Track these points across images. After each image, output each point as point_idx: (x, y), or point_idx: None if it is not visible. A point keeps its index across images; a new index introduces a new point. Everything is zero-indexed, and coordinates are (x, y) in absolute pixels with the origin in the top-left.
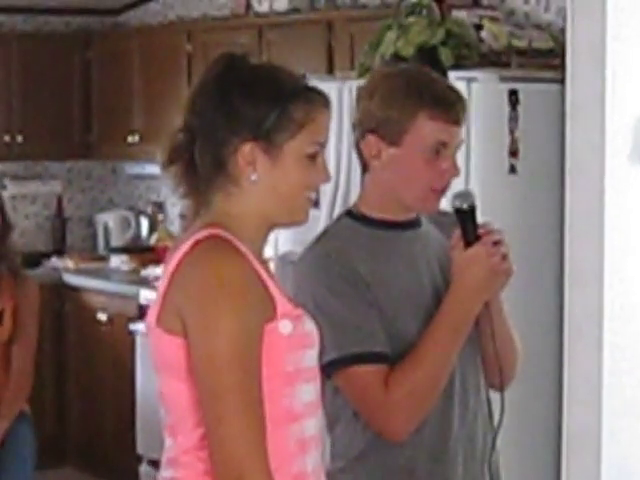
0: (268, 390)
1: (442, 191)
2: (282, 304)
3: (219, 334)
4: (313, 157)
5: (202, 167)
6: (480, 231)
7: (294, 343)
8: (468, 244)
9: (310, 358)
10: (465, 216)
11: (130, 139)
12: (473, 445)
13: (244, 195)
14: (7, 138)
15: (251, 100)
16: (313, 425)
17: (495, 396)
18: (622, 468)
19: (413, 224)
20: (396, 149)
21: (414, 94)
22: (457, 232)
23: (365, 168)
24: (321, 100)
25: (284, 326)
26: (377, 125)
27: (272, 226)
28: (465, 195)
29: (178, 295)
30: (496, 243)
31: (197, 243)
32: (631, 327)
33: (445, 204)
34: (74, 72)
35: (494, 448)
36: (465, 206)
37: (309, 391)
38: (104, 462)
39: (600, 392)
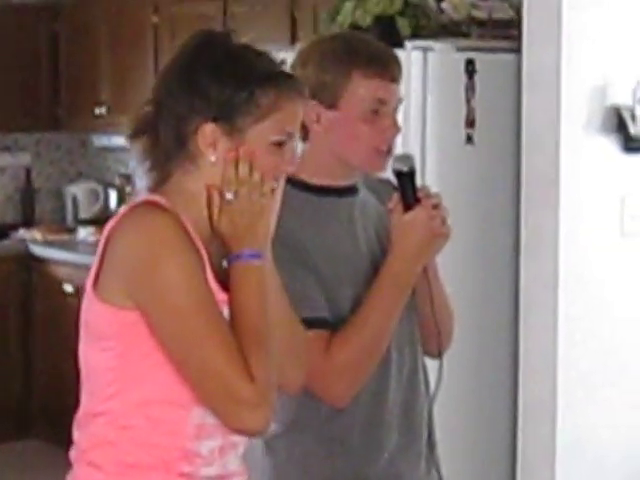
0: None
1: (387, 151)
2: (210, 280)
3: (170, 290)
4: (279, 145)
5: (164, 142)
6: (419, 194)
7: None
8: (407, 207)
9: None
10: (405, 179)
11: (98, 111)
12: (409, 412)
13: (201, 174)
14: None
15: (217, 80)
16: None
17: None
18: (577, 438)
19: (351, 190)
20: (335, 112)
21: (346, 56)
22: (396, 195)
23: (305, 137)
24: (294, 89)
25: None
26: (314, 91)
27: None
28: (405, 158)
29: (116, 263)
30: (435, 206)
31: (132, 208)
32: (586, 297)
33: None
34: (41, 44)
35: (431, 415)
36: (405, 169)
37: None
38: (70, 434)
39: (555, 362)
